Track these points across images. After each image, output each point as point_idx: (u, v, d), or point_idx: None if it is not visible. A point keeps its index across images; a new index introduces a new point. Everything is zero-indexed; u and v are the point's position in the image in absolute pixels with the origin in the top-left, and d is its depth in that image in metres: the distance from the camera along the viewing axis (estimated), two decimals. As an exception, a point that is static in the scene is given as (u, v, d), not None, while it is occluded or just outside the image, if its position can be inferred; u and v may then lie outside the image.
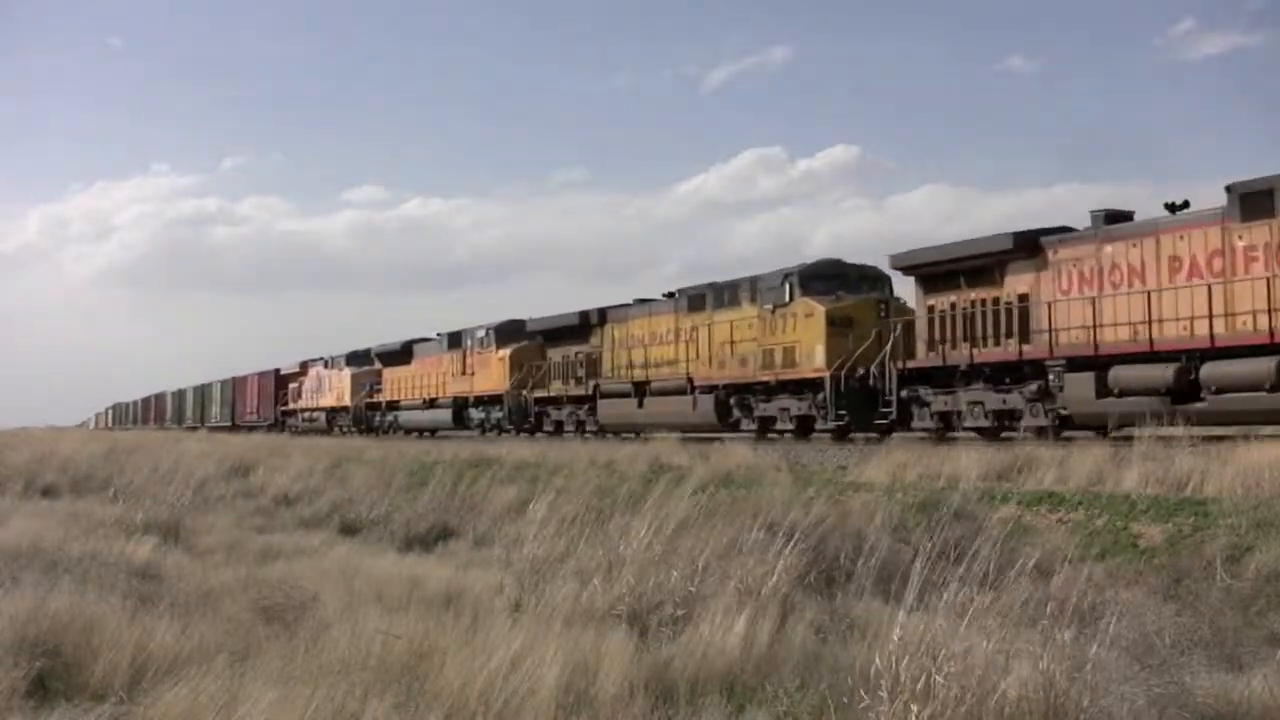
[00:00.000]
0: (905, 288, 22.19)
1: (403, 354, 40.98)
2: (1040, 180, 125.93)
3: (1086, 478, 11.93)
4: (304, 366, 51.48)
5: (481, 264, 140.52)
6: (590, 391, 29.00)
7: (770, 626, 6.80)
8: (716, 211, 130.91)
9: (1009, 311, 18.46)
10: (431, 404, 37.69)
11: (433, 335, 39.36)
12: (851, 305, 21.80)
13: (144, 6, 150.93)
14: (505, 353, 33.22)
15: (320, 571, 10.31)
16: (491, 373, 33.95)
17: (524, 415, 32.12)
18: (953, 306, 19.46)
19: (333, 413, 46.76)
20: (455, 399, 36.03)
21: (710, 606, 7.08)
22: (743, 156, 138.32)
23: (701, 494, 11.47)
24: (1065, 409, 17.03)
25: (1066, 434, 16.80)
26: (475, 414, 35.03)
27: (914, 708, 4.90)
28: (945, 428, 19.19)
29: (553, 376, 31.22)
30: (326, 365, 48.36)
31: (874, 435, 19.96)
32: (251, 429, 52.56)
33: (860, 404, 20.43)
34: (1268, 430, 15.18)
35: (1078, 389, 16.70)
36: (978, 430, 18.49)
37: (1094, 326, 16.87)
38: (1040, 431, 16.76)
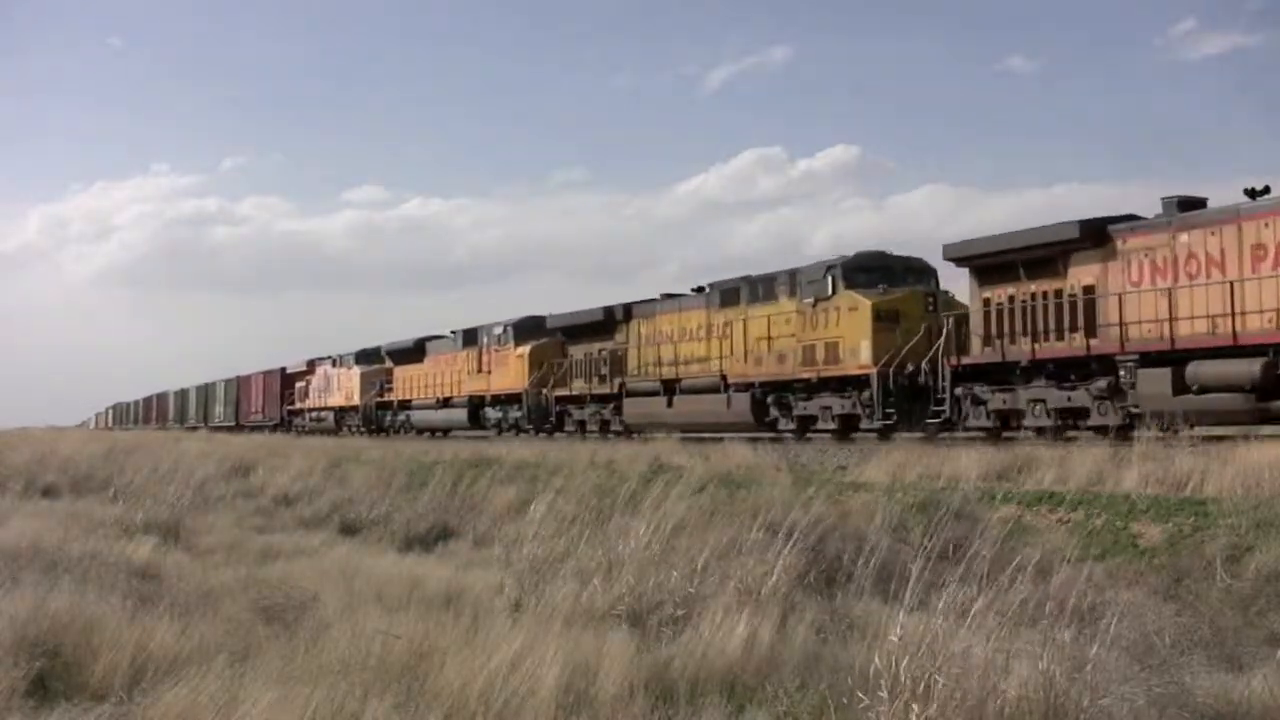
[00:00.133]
0: (950, 281, 21.55)
1: (415, 352, 39.76)
2: (1040, 180, 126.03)
3: (1086, 478, 11.93)
4: (311, 365, 50.50)
5: (481, 264, 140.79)
6: (615, 390, 27.97)
7: (770, 626, 6.80)
8: (716, 211, 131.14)
9: (1073, 304, 17.49)
10: (445, 403, 36.65)
11: (446, 333, 38.35)
12: (899, 298, 20.82)
13: (144, 6, 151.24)
14: (524, 350, 32.18)
15: (320, 571, 10.31)
16: (509, 371, 32.86)
17: (544, 415, 31.08)
18: (1010, 299, 18.49)
19: (341, 412, 45.73)
20: (471, 398, 34.93)
21: (710, 606, 7.09)
22: (743, 156, 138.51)
23: (701, 494, 11.48)
24: (1137, 407, 16.04)
25: (1133, 434, 15.75)
26: (492, 413, 33.93)
27: (914, 708, 4.90)
28: (1002, 426, 18.38)
29: (575, 374, 30.16)
30: (335, 364, 47.23)
31: (919, 435, 18.98)
32: (256, 429, 51.98)
33: (909, 402, 19.58)
34: (1267, 430, 15.12)
35: (1152, 385, 15.71)
36: (1038, 430, 17.53)
37: (1169, 319, 15.87)
38: (1108, 431, 15.86)
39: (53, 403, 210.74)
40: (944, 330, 19.34)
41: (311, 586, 8.90)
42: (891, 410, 19.77)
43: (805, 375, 21.87)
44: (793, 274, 22.69)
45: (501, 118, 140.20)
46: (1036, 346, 17.81)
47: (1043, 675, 5.00)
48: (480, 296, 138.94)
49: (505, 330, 33.55)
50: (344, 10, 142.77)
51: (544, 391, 30.98)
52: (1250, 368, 14.61)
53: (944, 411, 18.84)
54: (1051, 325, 17.78)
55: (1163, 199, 17.00)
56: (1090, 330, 17.20)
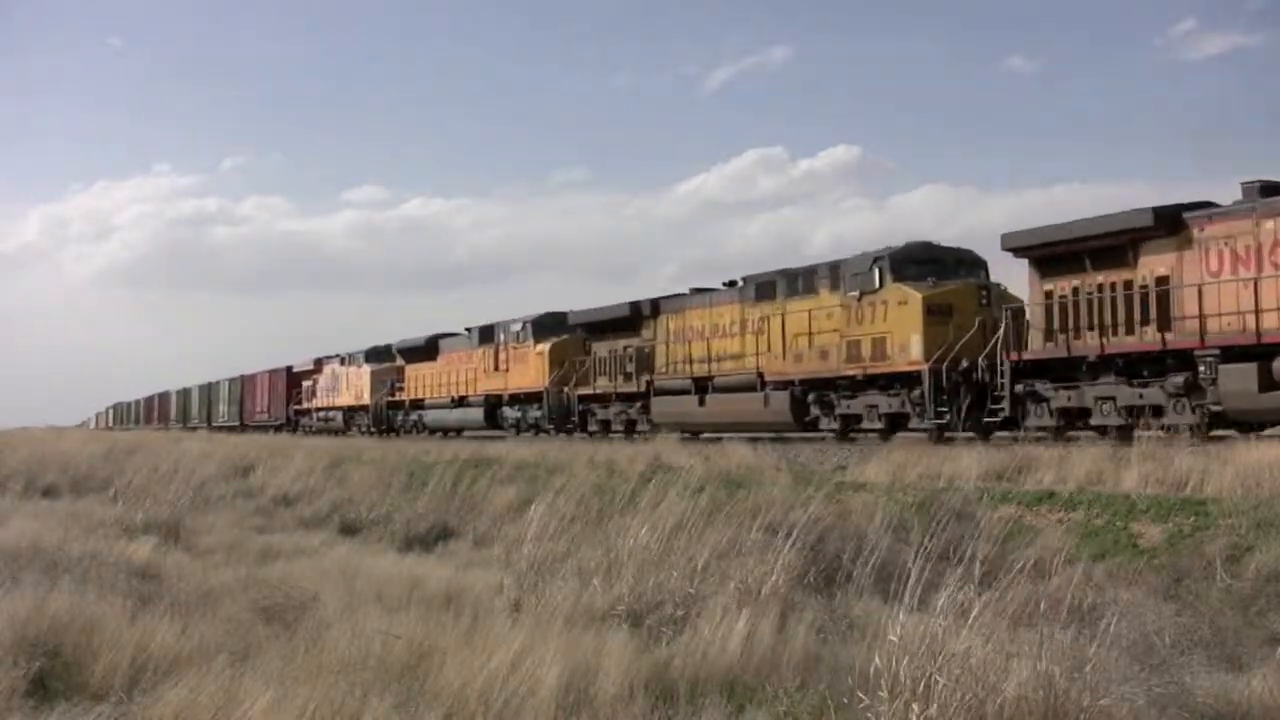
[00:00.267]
0: (1001, 272, 20.79)
1: (427, 350, 38.16)
2: (1040, 180, 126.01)
3: (1086, 478, 11.92)
4: (318, 364, 48.97)
5: (481, 264, 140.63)
6: (643, 388, 26.73)
7: (770, 626, 6.80)
8: (717, 211, 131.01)
9: (1145, 296, 16.45)
10: (460, 402, 35.12)
11: (460, 330, 37.15)
12: (951, 291, 19.71)
13: (144, 6, 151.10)
14: (544, 347, 30.86)
15: (320, 571, 10.32)
16: (529, 369, 31.51)
17: (566, 414, 29.66)
18: (1075, 291, 17.49)
19: (350, 412, 44.39)
20: (487, 397, 33.58)
21: (710, 606, 7.09)
22: (743, 156, 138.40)
23: (701, 494, 11.48)
24: (1219, 404, 15.14)
25: (1217, 432, 15.35)
26: (510, 413, 32.52)
27: (914, 708, 4.91)
28: (1066, 425, 17.43)
29: (598, 372, 28.84)
30: (343, 362, 45.39)
31: (973, 435, 18.24)
32: (261, 429, 50.98)
33: (961, 400, 18.58)
34: (1268, 430, 15.10)
35: (1237, 382, 14.70)
36: (1104, 429, 16.63)
37: (1255, 311, 14.90)
38: (1189, 429, 15.10)
39: (53, 403, 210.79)
40: (1002, 324, 18.31)
41: (311, 586, 8.91)
42: (944, 409, 18.79)
43: (850, 372, 20.76)
44: (835, 266, 21.65)
45: (501, 118, 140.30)
46: (1105, 341, 16.83)
47: (1042, 675, 5.01)
48: (480, 296, 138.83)
49: (524, 327, 32.34)
50: (344, 10, 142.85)
51: (565, 390, 29.80)
52: None
53: (1004, 410, 18.00)
54: (1121, 318, 16.83)
55: (1242, 184, 15.96)
56: (1164, 323, 16.20)
